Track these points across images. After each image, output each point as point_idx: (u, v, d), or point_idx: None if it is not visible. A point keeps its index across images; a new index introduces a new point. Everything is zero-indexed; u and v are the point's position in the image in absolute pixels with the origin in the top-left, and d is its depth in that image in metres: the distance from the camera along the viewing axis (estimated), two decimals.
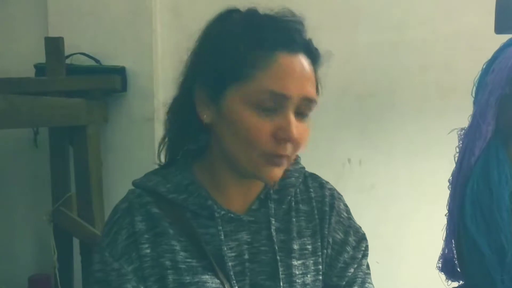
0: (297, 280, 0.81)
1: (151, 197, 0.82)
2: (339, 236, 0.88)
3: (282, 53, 0.74)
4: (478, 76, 0.99)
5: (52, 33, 1.87)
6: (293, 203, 0.87)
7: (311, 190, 0.90)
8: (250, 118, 0.73)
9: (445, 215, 1.01)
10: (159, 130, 1.98)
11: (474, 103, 0.99)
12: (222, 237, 0.80)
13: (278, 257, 0.81)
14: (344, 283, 0.86)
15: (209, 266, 0.78)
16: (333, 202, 0.89)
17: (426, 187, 1.96)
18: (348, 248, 0.87)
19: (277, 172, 0.76)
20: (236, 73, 0.74)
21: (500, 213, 0.89)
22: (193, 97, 0.79)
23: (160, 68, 1.98)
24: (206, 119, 0.79)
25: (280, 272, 0.80)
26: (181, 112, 0.83)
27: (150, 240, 0.78)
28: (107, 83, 1.83)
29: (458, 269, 1.00)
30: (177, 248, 0.78)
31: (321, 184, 0.92)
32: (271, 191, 0.86)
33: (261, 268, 0.81)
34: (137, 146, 1.94)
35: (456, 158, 0.99)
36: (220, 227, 0.80)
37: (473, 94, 1.00)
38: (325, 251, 0.86)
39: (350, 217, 0.91)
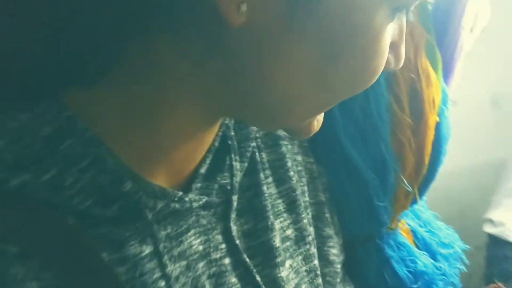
0: None
1: None
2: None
3: None
4: None
5: None
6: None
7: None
8: (385, 34, 0.35)
9: None
10: None
11: None
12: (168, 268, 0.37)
13: (252, 270, 0.43)
14: None
15: None
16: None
17: None
18: None
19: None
20: None
21: (379, 112, 0.59)
22: None
23: None
24: (239, 17, 0.32)
25: None
26: None
27: None
28: None
29: None
30: None
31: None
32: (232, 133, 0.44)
33: None
34: None
35: None
36: (161, 246, 0.36)
37: None
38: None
39: None
